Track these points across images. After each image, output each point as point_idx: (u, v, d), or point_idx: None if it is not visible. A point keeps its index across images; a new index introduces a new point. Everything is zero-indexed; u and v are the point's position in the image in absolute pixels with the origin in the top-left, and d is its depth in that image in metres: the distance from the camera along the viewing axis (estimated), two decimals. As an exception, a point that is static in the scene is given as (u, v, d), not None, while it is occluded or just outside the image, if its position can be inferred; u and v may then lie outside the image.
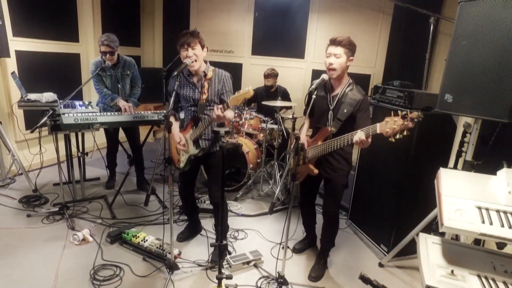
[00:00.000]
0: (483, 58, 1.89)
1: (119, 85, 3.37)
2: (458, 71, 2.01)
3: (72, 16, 4.48)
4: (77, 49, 4.59)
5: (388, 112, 2.70)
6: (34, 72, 4.00)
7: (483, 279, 1.38)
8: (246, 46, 5.65)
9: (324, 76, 2.22)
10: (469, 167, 2.25)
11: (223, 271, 1.99)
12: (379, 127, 1.89)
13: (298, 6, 5.18)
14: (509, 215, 1.44)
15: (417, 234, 2.37)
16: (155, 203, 3.43)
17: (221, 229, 2.19)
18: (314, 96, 2.20)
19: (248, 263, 2.54)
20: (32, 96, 3.20)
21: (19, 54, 3.80)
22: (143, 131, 3.80)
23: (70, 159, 3.30)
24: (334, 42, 2.18)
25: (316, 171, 2.30)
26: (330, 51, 2.19)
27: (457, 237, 2.36)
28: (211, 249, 2.66)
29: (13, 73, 3.47)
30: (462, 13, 1.99)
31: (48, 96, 3.20)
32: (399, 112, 1.84)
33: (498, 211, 1.46)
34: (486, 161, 2.25)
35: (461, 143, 2.77)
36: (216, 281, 1.96)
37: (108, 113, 3.10)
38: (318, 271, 2.48)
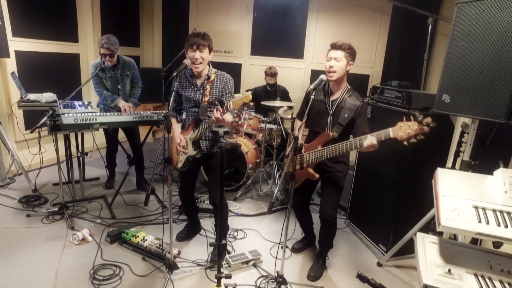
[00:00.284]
0: (480, 59, 1.90)
1: (119, 86, 3.38)
2: (456, 71, 2.03)
3: (71, 16, 4.49)
4: (76, 49, 4.60)
5: (386, 112, 2.76)
6: (34, 72, 4.01)
7: (480, 278, 1.40)
8: (245, 46, 5.66)
9: (323, 77, 2.24)
10: (466, 167, 2.27)
11: (222, 270, 2.00)
12: (392, 132, 1.91)
13: (297, 6, 5.19)
14: (505, 215, 1.45)
15: (415, 234, 2.40)
16: (155, 203, 3.44)
17: (221, 229, 2.20)
18: (312, 97, 2.21)
19: (247, 262, 2.55)
20: (32, 96, 3.20)
21: (18, 54, 3.81)
22: (142, 131, 3.80)
23: (69, 159, 3.31)
24: (334, 46, 2.22)
25: (317, 175, 2.30)
26: (330, 55, 2.23)
27: (455, 237, 2.37)
28: (211, 249, 2.67)
29: (12, 73, 3.47)
30: (460, 14, 2.01)
31: (47, 96, 3.20)
32: (411, 116, 1.86)
33: (494, 211, 1.47)
34: (483, 161, 2.26)
35: (459, 143, 2.79)
36: (216, 280, 1.97)
37: (108, 113, 3.10)
38: (317, 271, 2.50)
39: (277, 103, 3.77)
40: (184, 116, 2.55)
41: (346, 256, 2.81)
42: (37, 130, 2.76)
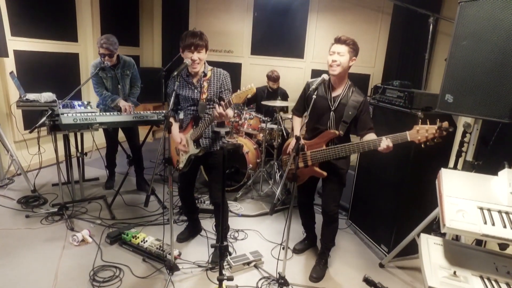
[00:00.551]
0: (484, 58, 1.89)
1: (119, 86, 3.36)
2: (459, 71, 2.02)
3: (70, 15, 4.46)
4: (76, 49, 4.57)
5: (387, 111, 2.74)
6: (33, 72, 3.98)
7: (486, 280, 1.38)
8: (246, 46, 5.64)
9: (325, 76, 2.21)
10: (469, 167, 2.25)
11: (224, 272, 1.98)
12: (409, 135, 1.94)
13: (297, 5, 5.18)
14: (511, 216, 1.43)
15: (418, 235, 2.38)
16: (155, 204, 3.42)
17: (222, 230, 2.18)
18: (314, 96, 2.19)
19: (248, 263, 2.53)
20: (31, 96, 3.18)
21: (17, 53, 3.78)
22: (142, 131, 3.78)
23: (69, 159, 3.28)
24: (338, 40, 2.19)
25: (325, 173, 2.29)
26: (334, 49, 2.20)
27: (457, 237, 2.36)
28: (211, 250, 2.65)
29: (11, 73, 3.45)
30: (462, 13, 1.99)
31: (47, 96, 3.18)
32: (427, 120, 1.91)
33: (500, 212, 1.46)
34: (486, 161, 2.25)
35: (461, 143, 2.78)
36: (217, 282, 1.95)
37: (107, 113, 3.08)
38: (319, 272, 2.48)
39: (277, 103, 3.75)
40: (181, 115, 2.53)
41: (348, 257, 2.79)
42: (36, 130, 2.73)
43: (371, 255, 2.85)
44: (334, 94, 2.30)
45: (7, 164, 3.68)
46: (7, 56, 3.47)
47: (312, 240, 2.83)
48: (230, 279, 1.93)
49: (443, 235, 2.92)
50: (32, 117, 3.58)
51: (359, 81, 4.74)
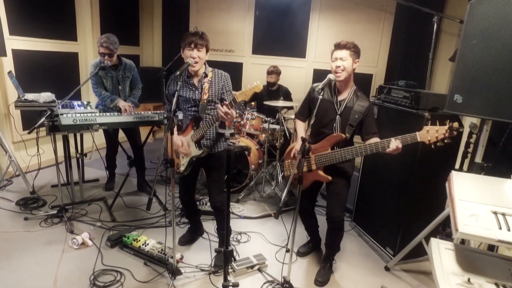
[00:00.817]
0: (494, 57, 1.85)
1: (120, 87, 3.31)
2: (468, 71, 1.97)
3: (70, 14, 4.41)
4: (75, 48, 4.52)
5: (392, 112, 2.69)
6: (32, 71, 3.93)
7: (501, 288, 1.33)
8: (247, 45, 5.59)
9: (331, 76, 2.18)
10: (478, 169, 2.21)
11: (228, 278, 1.93)
12: (419, 136, 1.94)
13: (299, 4, 5.12)
14: (526, 221, 1.39)
15: (425, 238, 2.34)
16: (156, 205, 3.36)
17: (227, 235, 2.13)
18: (320, 97, 2.15)
19: (252, 267, 2.49)
20: (30, 96, 3.13)
21: (16, 53, 3.73)
22: (143, 131, 3.73)
23: (68, 160, 3.23)
24: (338, 46, 2.21)
25: (330, 178, 2.27)
26: (335, 55, 2.21)
27: (463, 241, 2.31)
28: (214, 253, 2.60)
29: (9, 72, 3.40)
30: (473, 12, 1.95)
31: (45, 96, 3.13)
32: (437, 121, 1.90)
33: (515, 217, 1.41)
34: (496, 163, 2.21)
35: (467, 144, 2.73)
36: (221, 287, 1.90)
37: (108, 114, 3.03)
38: (324, 276, 2.43)
39: (279, 103, 3.71)
40: (180, 116, 2.48)
41: (352, 260, 2.75)
42: (35, 130, 2.69)
43: (376, 258, 2.80)
44: (340, 98, 2.29)
45: (6, 165, 3.63)
46: (5, 55, 3.42)
47: (316, 243, 2.79)
48: (236, 285, 1.87)
49: (449, 237, 2.88)
50: (31, 118, 3.54)
51: (362, 81, 4.70)
